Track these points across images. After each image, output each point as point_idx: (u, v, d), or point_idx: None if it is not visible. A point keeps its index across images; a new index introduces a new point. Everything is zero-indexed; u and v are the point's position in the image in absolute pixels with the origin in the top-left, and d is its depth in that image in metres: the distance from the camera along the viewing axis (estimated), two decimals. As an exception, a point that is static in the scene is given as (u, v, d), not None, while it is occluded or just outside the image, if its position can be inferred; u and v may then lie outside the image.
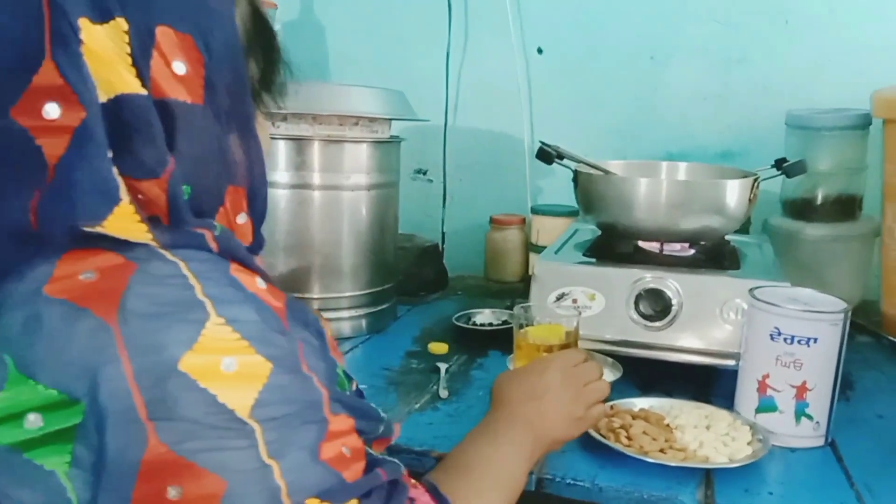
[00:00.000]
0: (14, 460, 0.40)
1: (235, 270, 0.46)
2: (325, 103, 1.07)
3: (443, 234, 1.60)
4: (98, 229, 0.42)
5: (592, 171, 1.05)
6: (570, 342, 0.84)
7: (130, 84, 0.44)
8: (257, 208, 0.54)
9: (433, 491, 0.52)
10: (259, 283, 0.46)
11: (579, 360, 0.72)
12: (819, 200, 1.28)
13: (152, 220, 0.45)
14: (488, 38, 1.54)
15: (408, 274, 1.36)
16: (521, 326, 0.85)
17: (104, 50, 0.43)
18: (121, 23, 0.43)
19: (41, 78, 0.42)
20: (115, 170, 0.43)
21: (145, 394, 0.40)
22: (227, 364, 0.41)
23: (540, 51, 1.52)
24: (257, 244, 0.55)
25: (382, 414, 0.54)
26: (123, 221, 0.43)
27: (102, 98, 0.43)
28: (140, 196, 0.45)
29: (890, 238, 1.17)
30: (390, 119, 1.15)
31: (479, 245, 1.55)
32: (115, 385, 0.40)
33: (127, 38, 0.43)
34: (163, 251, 0.44)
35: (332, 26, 1.60)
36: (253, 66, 0.54)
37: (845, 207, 1.28)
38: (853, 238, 1.26)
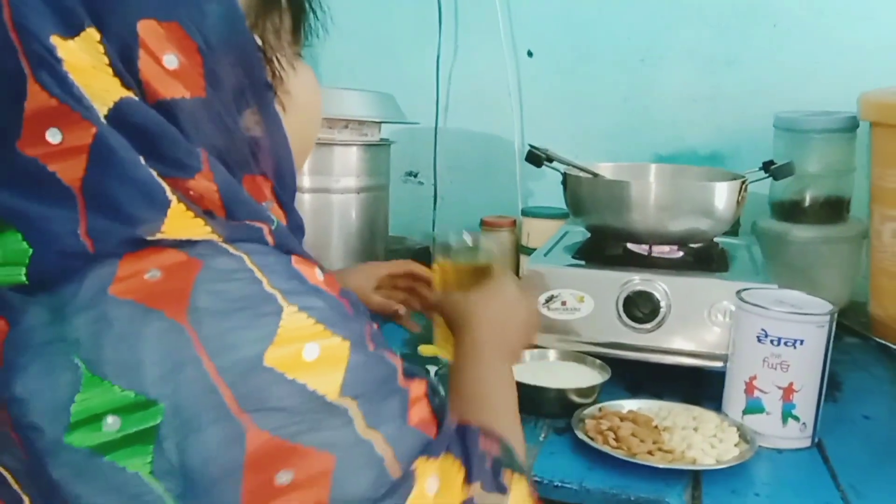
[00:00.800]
0: (95, 464, 0.40)
1: (297, 262, 0.46)
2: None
3: (434, 236, 1.60)
4: (159, 236, 0.42)
5: (581, 173, 1.05)
6: (487, 265, 0.86)
7: (122, 91, 0.42)
8: (286, 185, 0.52)
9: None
10: (318, 275, 0.46)
11: (515, 277, 0.80)
12: (807, 202, 1.28)
13: (207, 214, 0.44)
14: (478, 41, 1.54)
15: (398, 276, 1.35)
16: (441, 253, 0.87)
17: (84, 63, 0.41)
18: (91, 33, 0.41)
19: (32, 104, 0.40)
20: (154, 173, 0.42)
21: (233, 389, 0.40)
22: (308, 351, 0.42)
23: (530, 53, 1.52)
24: (294, 224, 0.52)
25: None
26: (180, 221, 0.43)
27: (103, 110, 0.41)
28: (191, 192, 0.44)
29: (877, 240, 1.17)
30: (380, 122, 1.15)
31: (469, 247, 1.55)
32: (198, 385, 0.39)
33: (102, 49, 0.42)
34: (225, 246, 0.43)
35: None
36: (276, 20, 0.50)
37: (833, 209, 1.28)
38: (841, 240, 1.27)
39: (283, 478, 0.40)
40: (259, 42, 0.49)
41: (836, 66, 1.33)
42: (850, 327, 1.20)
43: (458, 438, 0.50)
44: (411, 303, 0.94)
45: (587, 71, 1.49)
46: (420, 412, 0.47)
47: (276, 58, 0.50)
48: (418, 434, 0.46)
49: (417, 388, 0.48)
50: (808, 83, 1.35)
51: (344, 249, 1.12)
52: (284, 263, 0.45)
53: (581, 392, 0.86)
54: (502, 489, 0.49)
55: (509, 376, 0.68)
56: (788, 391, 0.79)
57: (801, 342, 0.78)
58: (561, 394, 0.85)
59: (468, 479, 0.47)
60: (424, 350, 1.08)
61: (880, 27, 1.31)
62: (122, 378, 0.39)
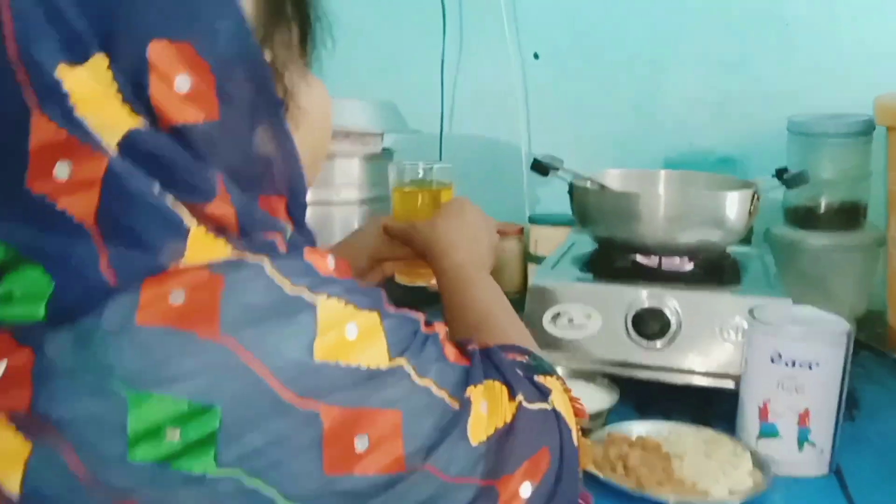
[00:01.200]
0: (162, 473, 0.39)
1: (308, 254, 0.46)
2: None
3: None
4: (182, 265, 0.41)
5: (588, 184, 1.02)
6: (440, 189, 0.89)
7: (133, 119, 0.41)
8: (298, 202, 0.51)
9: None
10: (329, 264, 0.47)
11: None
12: (822, 209, 1.24)
13: (224, 233, 0.44)
14: (484, 44, 1.51)
15: (403, 288, 1.33)
16: (396, 181, 0.90)
17: (93, 91, 0.40)
18: (99, 60, 0.40)
19: (39, 138, 0.39)
20: (169, 200, 0.41)
21: (291, 386, 0.40)
22: (349, 331, 0.43)
23: (536, 56, 1.50)
24: (306, 241, 0.51)
25: None
26: (202, 245, 0.42)
27: (115, 138, 0.40)
28: (209, 216, 0.43)
29: (895, 248, 1.14)
30: (381, 133, 1.12)
31: (476, 255, 1.52)
32: (252, 388, 0.40)
33: (110, 75, 0.40)
34: (243, 256, 0.43)
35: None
36: (285, 33, 0.48)
37: (849, 216, 1.24)
38: (857, 248, 1.23)
39: (360, 444, 0.42)
40: (269, 57, 0.47)
41: (851, 68, 1.29)
42: (868, 343, 1.15)
43: (487, 361, 0.52)
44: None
45: (594, 74, 1.46)
46: (451, 349, 0.50)
47: (287, 72, 0.49)
48: (459, 367, 0.48)
49: (440, 329, 0.51)
50: (822, 86, 1.31)
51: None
52: (298, 259, 0.45)
53: (589, 417, 0.83)
54: (543, 393, 0.53)
55: (496, 287, 0.76)
56: (804, 416, 0.76)
57: (817, 364, 0.75)
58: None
59: (511, 394, 0.50)
60: (400, 278, 1.02)
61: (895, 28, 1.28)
62: (171, 391, 0.39)
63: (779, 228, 1.28)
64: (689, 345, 0.91)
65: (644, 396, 0.93)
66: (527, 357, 0.59)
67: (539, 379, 0.55)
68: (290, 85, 0.49)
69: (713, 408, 0.91)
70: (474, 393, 0.48)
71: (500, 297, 0.75)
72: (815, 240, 1.22)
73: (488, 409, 0.48)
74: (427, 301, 1.08)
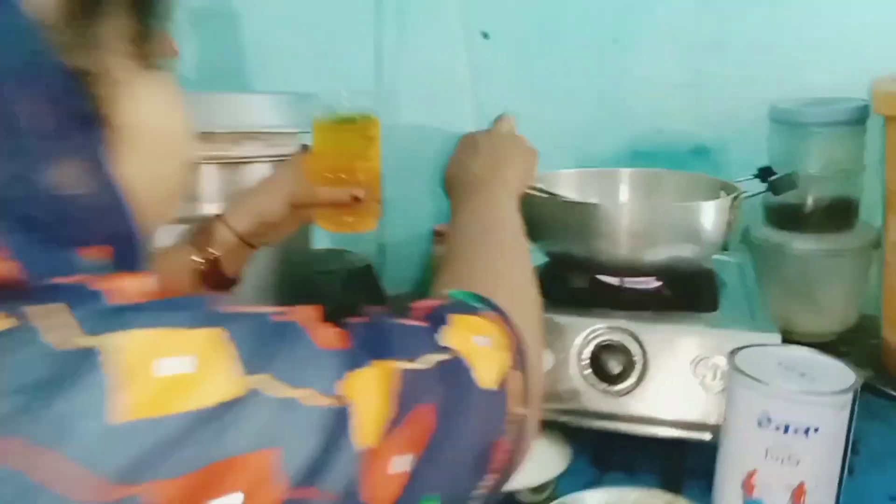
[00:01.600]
0: None
1: (97, 283, 0.36)
2: (209, 117, 0.87)
3: (380, 246, 1.41)
4: None
5: (536, 193, 0.86)
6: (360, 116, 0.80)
7: None
8: (128, 250, 0.41)
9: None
10: (129, 287, 0.36)
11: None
12: (808, 208, 1.10)
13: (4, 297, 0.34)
14: (425, 24, 1.34)
15: (335, 301, 1.17)
16: (315, 118, 0.79)
17: None
18: None
19: None
20: None
21: (101, 473, 0.31)
22: (164, 367, 0.33)
23: (486, 36, 1.33)
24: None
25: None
26: None
27: None
28: None
29: (892, 254, 1.00)
30: (297, 131, 0.95)
31: (422, 259, 1.37)
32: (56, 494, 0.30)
33: None
34: (7, 320, 0.33)
35: (249, 16, 1.37)
36: (105, 28, 0.38)
37: (839, 215, 1.10)
38: (848, 251, 1.09)
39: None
40: (81, 63, 0.37)
41: (843, 48, 1.14)
42: (872, 385, 0.97)
43: (375, 336, 0.44)
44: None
45: (551, 54, 1.30)
46: (323, 332, 0.41)
47: (108, 82, 0.38)
48: (336, 355, 0.40)
49: (301, 313, 0.42)
50: (810, 68, 1.16)
51: (256, 281, 0.93)
52: (75, 292, 0.35)
53: (533, 490, 0.68)
54: (428, 333, 0.46)
55: (511, 224, 0.67)
56: (798, 491, 0.61)
57: (816, 430, 0.60)
58: (507, 498, 0.67)
59: (397, 365, 0.43)
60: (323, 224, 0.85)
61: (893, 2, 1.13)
62: None
63: (760, 230, 1.14)
64: (658, 389, 0.76)
65: (603, 452, 0.78)
66: (450, 298, 0.51)
67: (447, 319, 0.47)
68: (112, 99, 0.39)
69: (685, 464, 0.76)
70: (356, 386, 0.40)
71: (488, 227, 0.65)
72: (802, 243, 1.09)
73: (377, 402, 0.40)
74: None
